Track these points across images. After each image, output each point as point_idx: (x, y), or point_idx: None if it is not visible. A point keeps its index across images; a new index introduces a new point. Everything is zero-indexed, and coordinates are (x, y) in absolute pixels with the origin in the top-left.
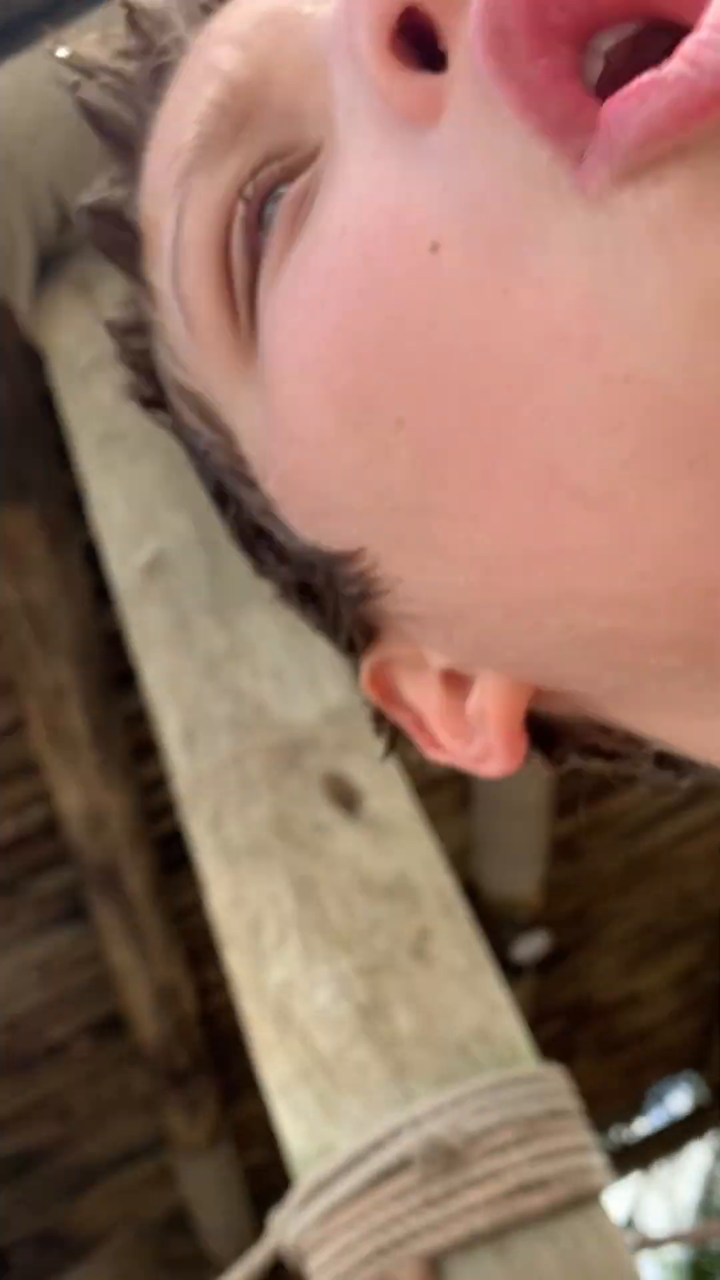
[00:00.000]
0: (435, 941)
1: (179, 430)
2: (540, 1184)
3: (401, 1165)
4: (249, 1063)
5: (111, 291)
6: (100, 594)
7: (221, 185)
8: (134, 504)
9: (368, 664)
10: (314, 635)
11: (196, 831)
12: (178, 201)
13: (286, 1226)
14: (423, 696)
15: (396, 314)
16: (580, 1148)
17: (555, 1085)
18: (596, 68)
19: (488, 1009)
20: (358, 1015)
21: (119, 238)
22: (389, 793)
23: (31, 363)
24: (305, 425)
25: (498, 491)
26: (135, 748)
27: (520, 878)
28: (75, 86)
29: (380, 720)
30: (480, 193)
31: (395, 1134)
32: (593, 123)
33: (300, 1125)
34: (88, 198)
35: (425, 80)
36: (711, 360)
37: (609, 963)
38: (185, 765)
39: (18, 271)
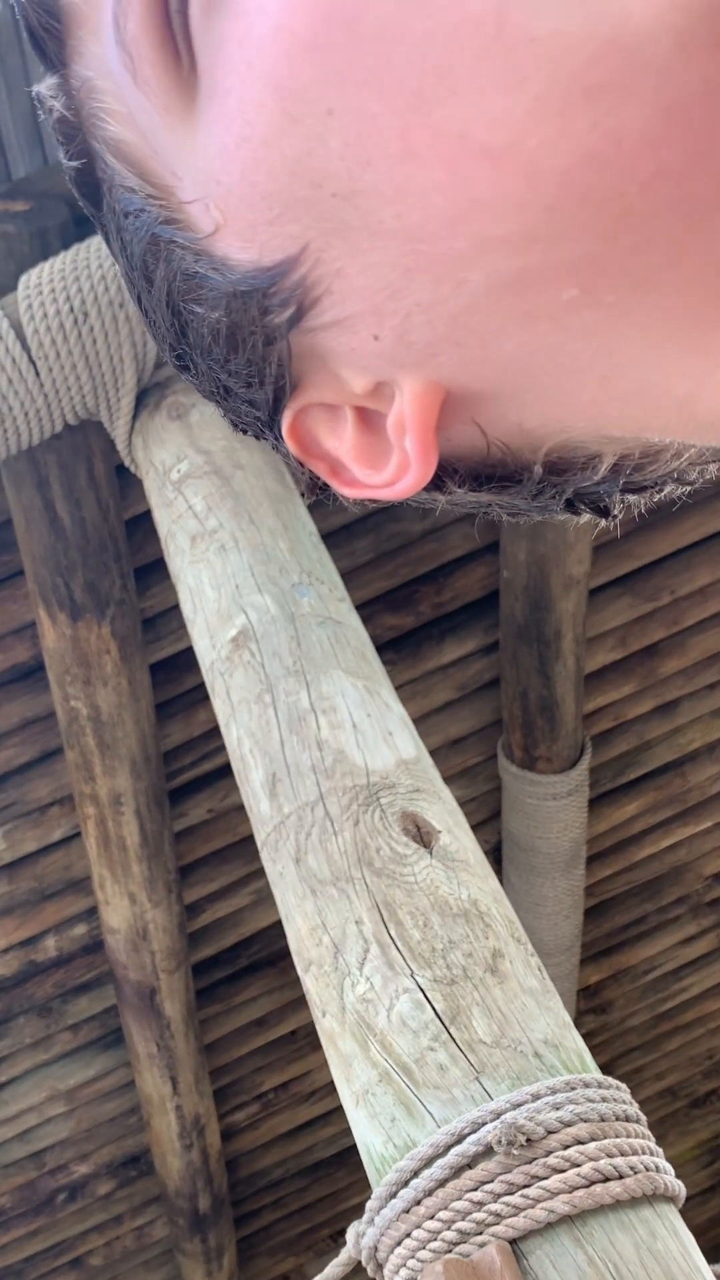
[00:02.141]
0: (508, 961)
1: (113, 197)
2: (618, 1175)
3: (484, 1153)
4: (270, 1217)
5: (202, 416)
6: (161, 710)
7: None
8: (223, 590)
9: (288, 414)
10: (386, 696)
11: (277, 870)
12: None
13: (363, 1236)
14: (338, 438)
15: (326, 13)
16: (651, 1150)
17: (624, 1095)
18: None
19: (558, 1024)
20: (437, 1022)
21: (47, 24)
22: (459, 834)
23: (114, 489)
24: (252, 123)
25: (417, 164)
26: (181, 867)
27: None
28: None
29: (301, 470)
30: None
31: (476, 1126)
32: None
33: (379, 1132)
34: None
35: None
36: (604, 7)
37: None
38: (268, 810)
39: (120, 402)
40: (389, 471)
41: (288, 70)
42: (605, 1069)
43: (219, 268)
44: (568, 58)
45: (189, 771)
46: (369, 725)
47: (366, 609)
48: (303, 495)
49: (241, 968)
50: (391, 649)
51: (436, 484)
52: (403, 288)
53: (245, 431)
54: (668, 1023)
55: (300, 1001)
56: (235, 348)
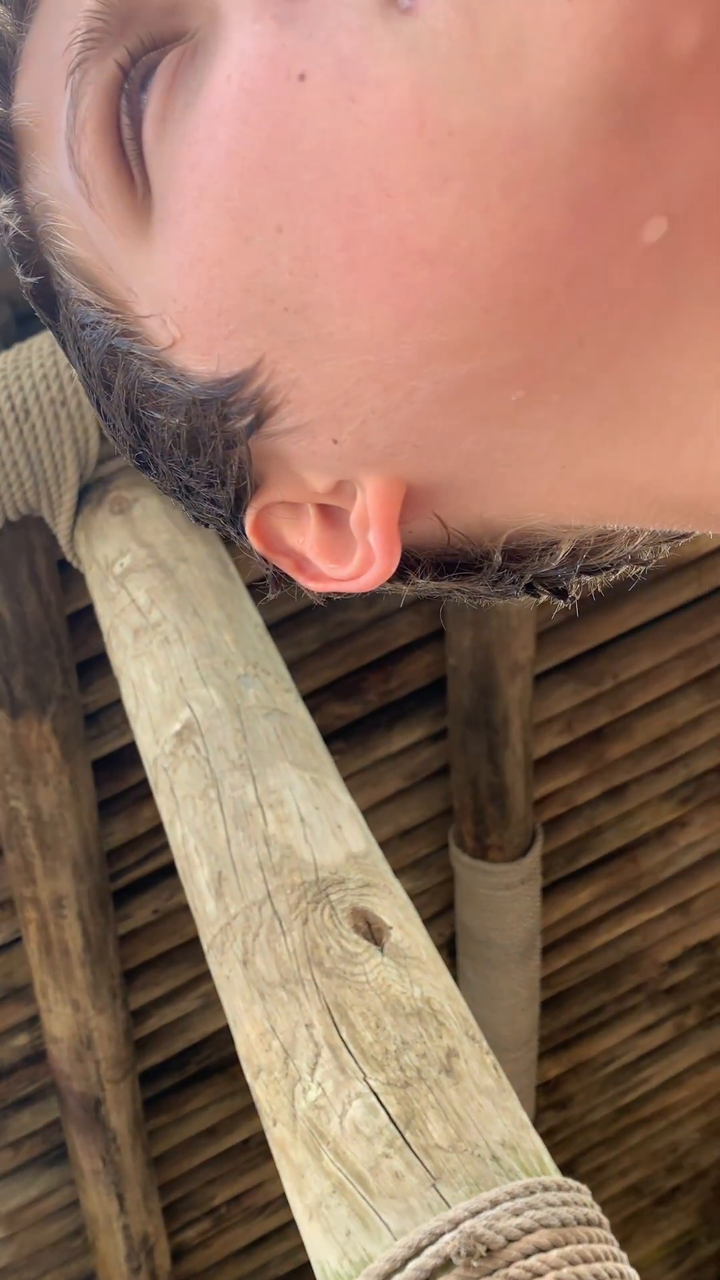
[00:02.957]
0: (462, 1060)
1: (69, 309)
2: None
3: (443, 1266)
4: None
5: (145, 510)
6: (104, 808)
7: (109, 68)
8: (166, 684)
9: (251, 512)
10: (334, 787)
11: (224, 974)
12: (72, 88)
13: None
14: (302, 534)
15: (273, 134)
16: (615, 1255)
17: (585, 1197)
18: None
19: (515, 1125)
20: (391, 1127)
21: (1, 146)
22: (410, 929)
23: (56, 584)
24: (206, 244)
25: (361, 273)
26: (126, 971)
27: None
28: None
29: (265, 565)
30: (334, 31)
31: (434, 1237)
32: None
33: (334, 1247)
34: None
35: None
36: (509, 95)
37: None
38: (215, 911)
39: (62, 498)
40: (353, 565)
41: (238, 193)
42: (567, 1167)
43: (178, 378)
44: (483, 152)
45: (133, 871)
46: (317, 819)
47: (314, 699)
48: (258, 589)
49: (190, 1075)
50: (340, 738)
51: (400, 575)
52: (357, 396)
53: (207, 525)
54: (629, 1116)
55: (252, 1108)
56: (196, 451)
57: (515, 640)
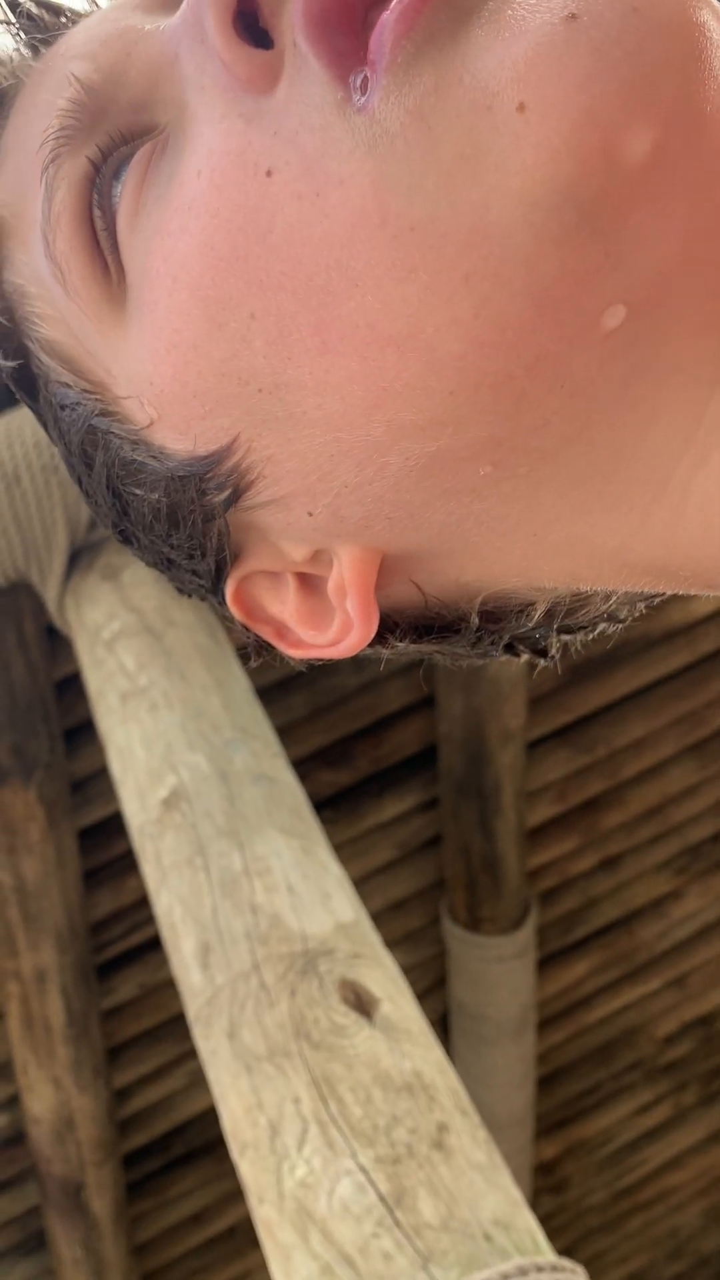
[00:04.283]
0: (454, 1135)
1: (49, 391)
2: None
3: None
4: None
5: (134, 576)
6: (89, 878)
7: (82, 164)
8: (154, 749)
9: (232, 582)
10: (323, 855)
11: (210, 1047)
12: (46, 182)
13: None
14: (281, 602)
15: (241, 227)
16: None
17: (581, 1278)
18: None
19: (508, 1202)
20: (381, 1205)
21: None
22: (400, 1001)
23: (44, 650)
24: (180, 330)
25: (333, 356)
26: (110, 1048)
27: None
28: None
29: (247, 633)
30: (297, 129)
31: None
32: (363, 58)
33: None
34: None
35: (257, 55)
36: (468, 194)
37: None
38: (200, 982)
39: (52, 564)
40: (333, 632)
41: (211, 282)
42: (566, 1254)
43: (156, 455)
44: (445, 245)
45: (118, 944)
46: (305, 887)
47: (304, 765)
48: (244, 656)
49: (175, 1157)
50: (330, 806)
51: (379, 639)
52: (330, 471)
53: (190, 595)
54: (628, 1200)
55: (239, 1193)
56: (176, 525)
57: (506, 706)
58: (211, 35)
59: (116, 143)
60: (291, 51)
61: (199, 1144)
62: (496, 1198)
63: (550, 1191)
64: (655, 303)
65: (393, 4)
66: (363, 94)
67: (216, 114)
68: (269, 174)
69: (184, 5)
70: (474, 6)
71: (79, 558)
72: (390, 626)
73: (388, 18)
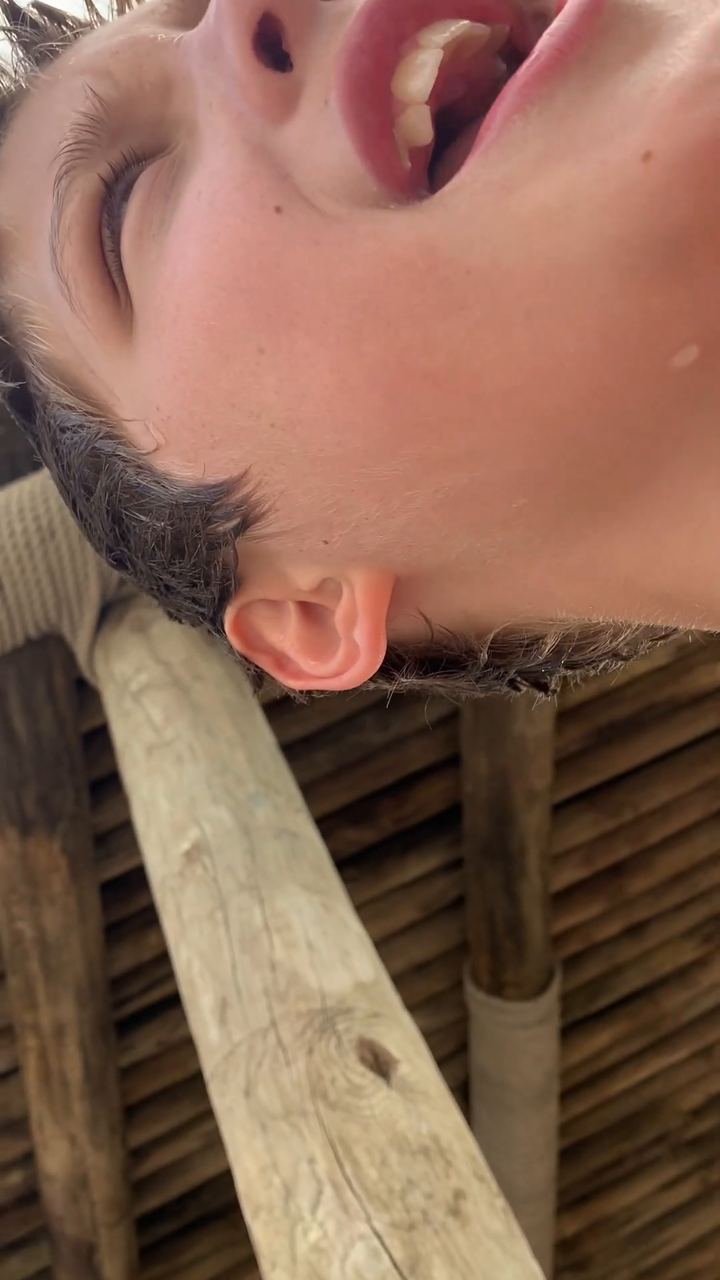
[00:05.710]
0: (471, 1203)
1: (48, 413)
2: None
3: None
4: None
5: (163, 629)
6: (110, 932)
7: (94, 180)
8: (177, 801)
9: (231, 611)
10: (343, 912)
11: (226, 1104)
12: (58, 194)
13: None
14: (282, 631)
15: (244, 258)
16: None
17: None
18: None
19: (526, 1275)
20: (395, 1273)
21: None
22: (419, 1062)
23: (73, 701)
24: (186, 359)
25: (354, 394)
26: (126, 1106)
27: None
28: None
29: (246, 664)
30: (316, 180)
31: None
32: (387, 129)
33: None
34: None
35: (274, 80)
36: (542, 238)
37: None
38: (218, 1038)
39: (84, 617)
40: (336, 662)
41: (214, 312)
42: None
43: (161, 481)
44: (507, 285)
45: (138, 1000)
46: (325, 944)
47: (326, 823)
48: (267, 708)
49: (189, 1221)
50: (352, 864)
51: (382, 673)
52: (350, 505)
53: (182, 622)
54: None
55: (253, 1261)
56: (180, 553)
57: (531, 766)
58: (229, 52)
59: (128, 161)
60: (313, 89)
61: (214, 1208)
62: (514, 1269)
63: (571, 1270)
64: None
65: (520, 74)
66: (399, 185)
67: (222, 136)
68: (278, 210)
69: (205, 19)
70: (600, 66)
71: (110, 610)
72: (395, 660)
73: (512, 87)
